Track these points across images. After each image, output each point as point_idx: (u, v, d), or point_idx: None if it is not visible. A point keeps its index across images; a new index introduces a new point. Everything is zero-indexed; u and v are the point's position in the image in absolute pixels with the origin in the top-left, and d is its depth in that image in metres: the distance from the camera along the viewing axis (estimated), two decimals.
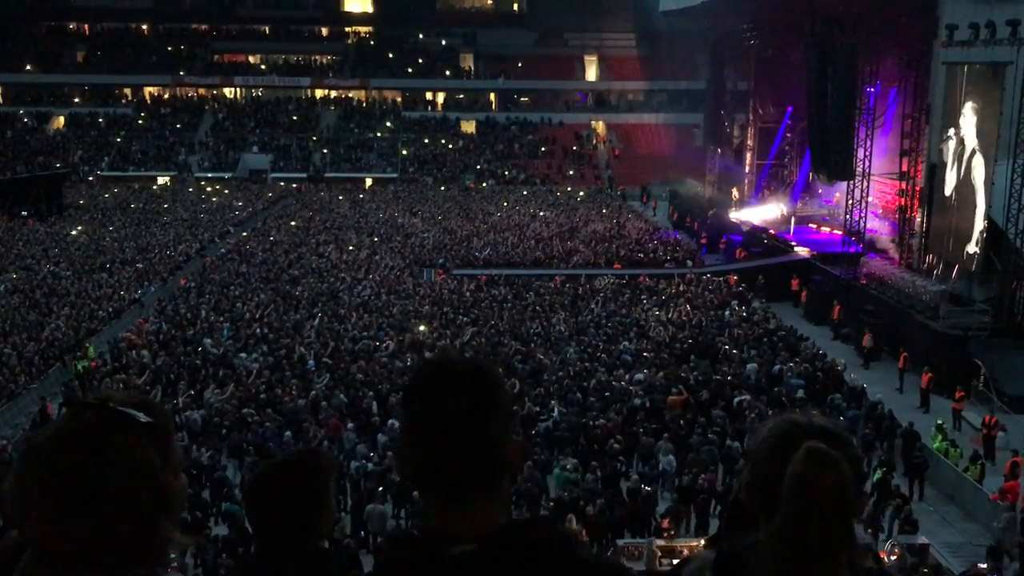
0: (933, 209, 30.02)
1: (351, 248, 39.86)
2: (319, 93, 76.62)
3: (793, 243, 37.09)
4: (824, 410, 19.21)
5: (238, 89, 77.25)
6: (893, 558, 13.75)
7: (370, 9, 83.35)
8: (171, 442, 1.54)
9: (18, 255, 38.62)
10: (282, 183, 64.56)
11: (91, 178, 64.58)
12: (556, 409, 19.84)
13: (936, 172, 29.50)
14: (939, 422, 19.92)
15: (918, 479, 18.21)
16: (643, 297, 31.14)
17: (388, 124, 72.89)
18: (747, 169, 47.96)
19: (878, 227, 35.85)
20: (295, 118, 73.09)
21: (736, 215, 44.28)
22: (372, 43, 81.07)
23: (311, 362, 23.37)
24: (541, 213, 50.24)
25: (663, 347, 25.00)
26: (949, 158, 28.62)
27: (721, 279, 33.88)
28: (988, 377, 22.96)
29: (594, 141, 72.84)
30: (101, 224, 47.07)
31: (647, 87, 75.28)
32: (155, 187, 62.70)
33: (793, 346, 25.43)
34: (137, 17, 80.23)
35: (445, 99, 76.73)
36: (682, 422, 19.38)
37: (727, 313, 28.84)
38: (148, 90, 75.67)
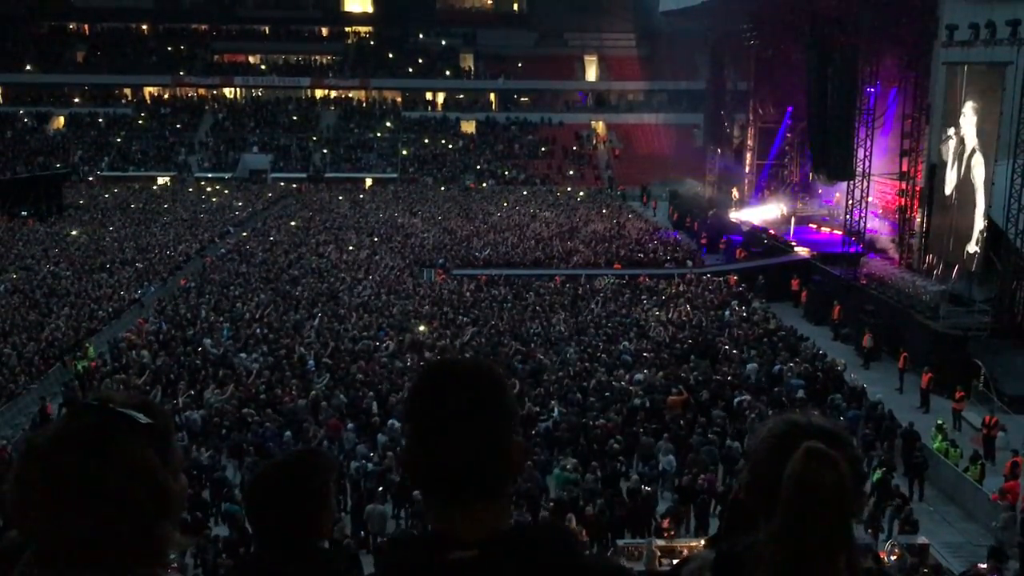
0: (933, 209, 30.03)
1: (351, 248, 39.86)
2: (319, 93, 76.65)
3: (793, 243, 37.10)
4: (824, 410, 19.21)
5: (238, 89, 77.28)
6: (893, 558, 13.75)
7: (370, 9, 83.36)
8: (171, 443, 1.54)
9: (18, 255, 38.61)
10: (282, 183, 64.57)
11: (91, 178, 64.61)
12: (556, 409, 19.84)
13: (936, 172, 29.51)
14: (939, 422, 19.93)
15: (918, 479, 18.21)
16: (643, 297, 31.13)
17: (388, 124, 72.91)
18: (747, 169, 47.97)
19: (878, 227, 35.85)
20: (295, 118, 73.11)
21: (736, 215, 44.29)
22: (372, 43, 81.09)
23: (311, 362, 23.37)
24: (541, 213, 50.25)
25: (663, 347, 25.01)
26: (949, 158, 28.63)
27: (721, 279, 33.88)
28: (988, 377, 22.97)
29: (594, 141, 72.86)
30: (101, 224, 47.07)
31: (647, 87, 75.31)
32: (155, 187, 62.73)
33: (793, 346, 25.43)
34: (137, 17, 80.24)
35: (445, 99, 76.75)
36: (682, 422, 19.38)
37: (727, 313, 28.85)
38: (148, 90, 75.71)
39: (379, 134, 71.66)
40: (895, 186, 34.09)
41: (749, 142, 48.30)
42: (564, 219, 47.71)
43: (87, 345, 25.54)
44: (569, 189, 62.38)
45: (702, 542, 13.44)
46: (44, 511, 1.41)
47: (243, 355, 24.05)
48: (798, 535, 1.47)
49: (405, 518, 16.55)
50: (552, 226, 45.21)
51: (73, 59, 77.15)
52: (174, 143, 69.39)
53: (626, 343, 25.30)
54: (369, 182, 65.46)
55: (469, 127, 73.73)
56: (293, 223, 47.14)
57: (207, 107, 74.65)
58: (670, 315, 28.37)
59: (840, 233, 34.83)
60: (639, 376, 22.15)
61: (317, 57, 79.87)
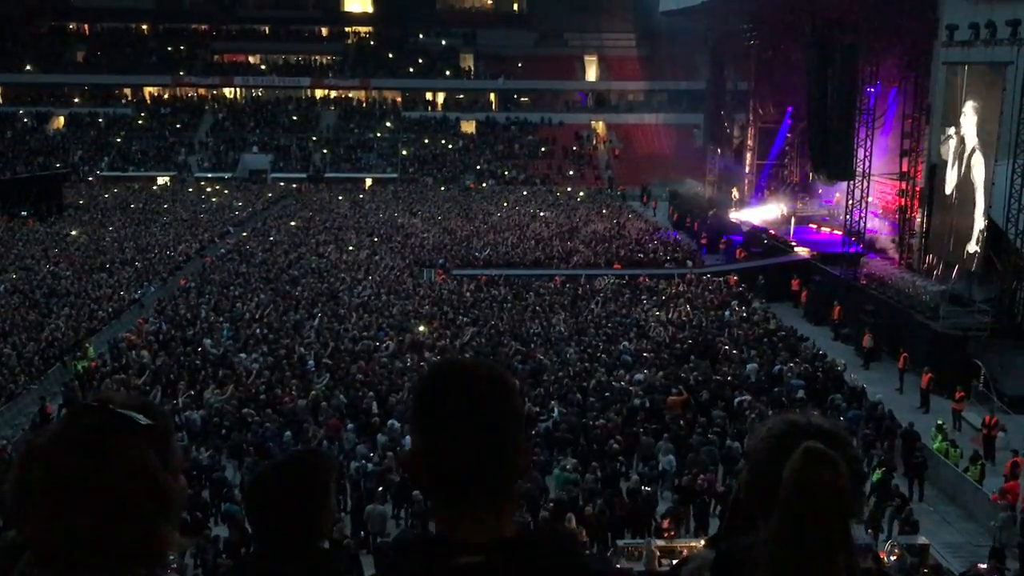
0: (933, 209, 30.03)
1: (351, 248, 39.86)
2: (319, 93, 76.65)
3: (793, 243, 37.10)
4: (824, 410, 19.21)
5: (238, 89, 77.29)
6: (893, 558, 13.75)
7: (370, 9, 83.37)
8: (171, 444, 1.54)
9: (18, 255, 38.61)
10: (282, 183, 64.56)
11: (91, 178, 64.58)
12: (556, 409, 19.84)
13: (936, 172, 29.51)
14: (939, 422, 19.93)
15: (918, 479, 18.21)
16: (643, 297, 31.13)
17: (388, 124, 72.91)
18: (747, 169, 47.97)
19: (878, 227, 35.85)
20: (295, 118, 73.12)
21: (736, 215, 44.30)
22: (372, 43, 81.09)
23: (311, 362, 23.37)
24: (541, 213, 50.25)
25: (663, 347, 25.01)
26: (950, 157, 28.63)
27: (721, 279, 33.88)
28: (988, 377, 22.96)
29: (594, 141, 72.85)
30: (101, 224, 47.08)
31: (647, 87, 75.31)
32: (155, 187, 62.73)
33: (793, 346, 25.43)
34: (137, 17, 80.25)
35: (445, 99, 76.75)
36: (682, 422, 19.38)
37: (727, 313, 28.85)
38: (148, 90, 75.71)
39: (379, 134, 71.66)
40: (895, 186, 34.09)
41: (749, 142, 48.30)
42: (564, 219, 47.71)
43: (87, 345, 25.54)
44: (569, 189, 62.38)
45: (702, 542, 13.44)
46: (44, 511, 1.42)
47: (243, 355, 24.05)
48: (796, 535, 1.47)
49: (405, 518, 16.56)
50: (552, 226, 45.21)
51: (73, 59, 77.16)
52: (174, 143, 69.40)
53: (626, 343, 25.29)
54: (369, 182, 65.46)
55: (469, 127, 73.73)
56: (293, 223, 47.15)
57: (207, 107, 74.66)
58: (670, 315, 28.37)
59: (840, 233, 34.83)
60: (639, 376, 22.15)
61: (317, 57, 79.87)
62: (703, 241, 42.26)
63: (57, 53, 77.11)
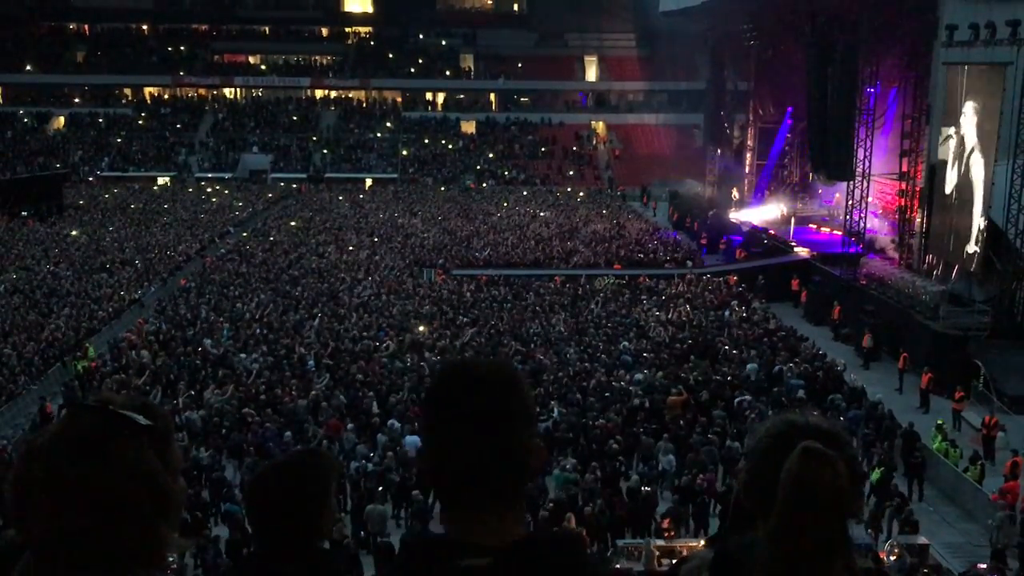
0: (933, 209, 30.03)
1: (351, 248, 39.87)
2: (319, 93, 76.66)
3: (793, 243, 37.10)
4: (824, 410, 19.21)
5: (238, 89, 77.29)
6: (893, 558, 13.75)
7: (370, 9, 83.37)
8: (171, 445, 1.54)
9: (18, 255, 38.61)
10: (282, 183, 64.57)
11: (91, 178, 64.58)
12: (556, 409, 19.84)
13: (936, 172, 29.51)
14: (939, 422, 19.93)
15: (917, 479, 18.21)
16: (643, 297, 31.14)
17: (388, 124, 72.91)
18: (747, 169, 47.99)
19: (878, 227, 35.85)
20: (295, 118, 73.12)
21: (736, 215, 44.30)
22: (372, 43, 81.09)
23: (311, 362, 23.38)
24: (541, 213, 50.27)
25: (663, 347, 25.01)
26: (949, 157, 28.64)
27: (721, 279, 33.89)
28: (988, 377, 22.95)
29: (594, 141, 72.85)
30: (101, 224, 47.08)
31: (647, 87, 75.31)
32: (155, 187, 62.73)
33: (793, 346, 25.42)
34: (137, 17, 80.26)
35: (445, 99, 76.75)
36: (682, 422, 19.38)
37: (727, 313, 28.85)
38: (148, 90, 75.71)
39: (379, 134, 71.66)
40: (895, 186, 34.10)
41: (749, 142, 48.32)
42: (564, 219, 47.73)
43: (87, 345, 25.53)
44: (569, 189, 62.38)
45: (702, 542, 13.45)
46: (43, 512, 1.42)
47: (243, 355, 24.06)
48: (795, 535, 1.47)
49: (405, 518, 16.55)
50: (552, 226, 45.22)
51: (73, 59, 77.14)
52: (174, 143, 69.40)
53: (626, 343, 25.30)
54: (369, 182, 65.47)
55: (469, 127, 73.73)
56: (293, 223, 47.16)
57: (207, 107, 74.67)
58: (670, 315, 28.37)
59: (840, 233, 34.82)
60: (639, 376, 22.15)
61: (317, 57, 79.86)
62: (703, 241, 42.25)
63: (57, 53, 77.11)
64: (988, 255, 26.54)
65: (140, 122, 71.91)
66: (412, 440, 18.26)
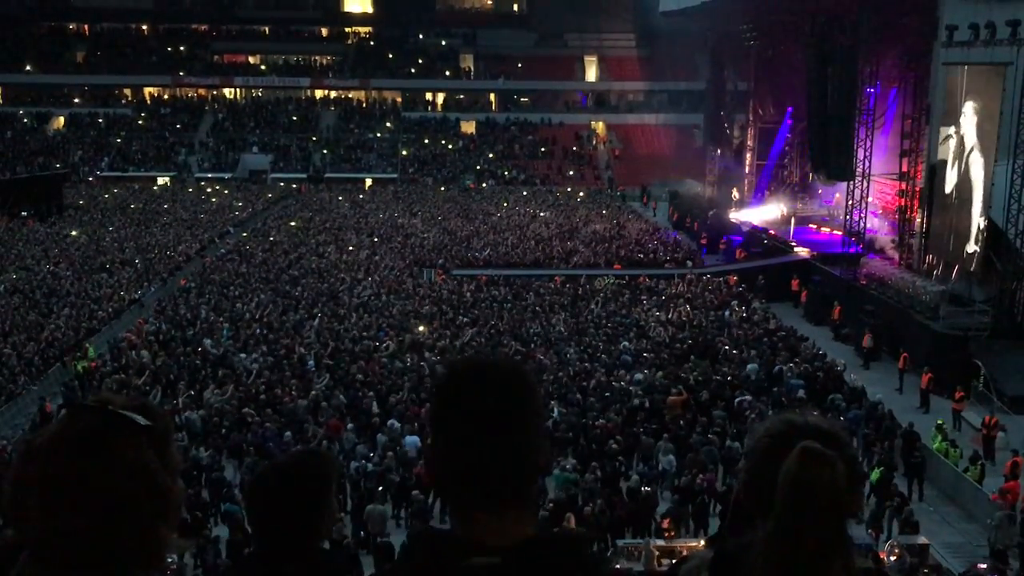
0: (933, 209, 30.03)
1: (351, 248, 39.86)
2: (319, 93, 76.65)
3: (793, 243, 37.10)
4: (825, 410, 19.20)
5: (238, 89, 77.27)
6: (893, 558, 13.75)
7: (370, 9, 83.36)
8: (170, 445, 1.54)
9: (18, 255, 38.61)
10: (282, 183, 64.57)
11: (91, 178, 64.57)
12: (556, 409, 19.84)
13: (936, 172, 29.51)
14: (939, 422, 19.93)
15: (917, 479, 18.21)
16: (643, 297, 31.14)
17: (388, 124, 72.91)
18: (747, 169, 47.97)
19: (878, 227, 35.86)
20: (295, 118, 73.11)
21: (736, 215, 44.29)
22: (372, 43, 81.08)
23: (311, 362, 23.38)
24: (541, 213, 50.26)
25: (663, 347, 25.01)
26: (949, 157, 28.65)
27: (721, 279, 33.89)
28: (988, 377, 22.96)
29: (594, 142, 72.85)
30: (101, 224, 47.08)
31: (647, 87, 75.29)
32: (155, 187, 62.72)
33: (793, 346, 25.42)
34: (137, 17, 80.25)
35: (445, 99, 76.74)
36: (682, 422, 19.38)
37: (727, 313, 28.85)
38: (148, 90, 75.70)
39: (379, 134, 71.66)
40: (895, 186, 34.10)
41: (749, 142, 48.31)
42: (564, 219, 47.73)
43: (87, 345, 25.53)
44: (569, 189, 62.37)
45: (702, 542, 13.45)
46: (42, 512, 1.42)
47: (243, 355, 24.06)
48: (793, 535, 1.47)
49: (405, 518, 16.56)
50: (552, 226, 45.22)
51: (73, 59, 77.13)
52: (174, 143, 69.40)
53: (626, 343, 25.30)
54: (369, 182, 65.46)
55: (469, 127, 73.72)
56: (293, 223, 47.15)
57: (207, 107, 74.66)
58: (670, 315, 28.37)
59: (840, 233, 34.82)
60: (639, 376, 22.15)
61: (317, 57, 79.85)
62: (703, 241, 42.26)
63: (57, 53, 77.10)
64: (988, 255, 26.54)
65: (140, 122, 71.91)
66: (412, 440, 18.28)
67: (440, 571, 1.57)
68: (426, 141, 70.77)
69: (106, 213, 50.82)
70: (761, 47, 45.71)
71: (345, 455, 18.00)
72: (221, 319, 27.73)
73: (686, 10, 50.58)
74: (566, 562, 1.58)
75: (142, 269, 35.85)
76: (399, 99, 76.14)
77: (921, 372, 23.56)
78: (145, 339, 25.74)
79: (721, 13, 47.05)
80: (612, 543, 15.45)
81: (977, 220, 26.96)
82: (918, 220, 31.47)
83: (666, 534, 15.17)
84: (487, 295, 31.29)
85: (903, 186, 32.59)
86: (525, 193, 59.89)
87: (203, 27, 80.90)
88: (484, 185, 64.60)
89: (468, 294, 31.31)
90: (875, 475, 16.88)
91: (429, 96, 77.17)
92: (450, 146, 70.55)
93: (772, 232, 39.30)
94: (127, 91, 75.35)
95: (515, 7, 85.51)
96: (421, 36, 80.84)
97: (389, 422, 19.10)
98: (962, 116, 27.74)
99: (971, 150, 27.29)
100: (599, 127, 74.21)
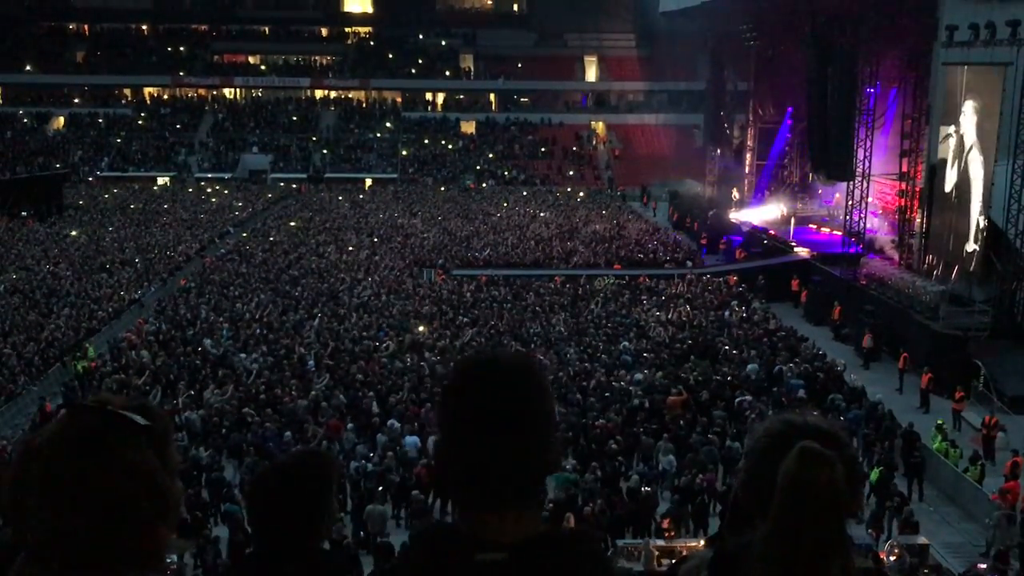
0: (933, 209, 30.04)
1: (351, 249, 39.86)
2: (319, 93, 76.63)
3: (793, 243, 37.10)
4: (825, 410, 19.20)
5: (238, 89, 77.24)
6: (893, 558, 13.75)
7: (370, 9, 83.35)
8: (169, 445, 1.54)
9: (18, 255, 38.61)
10: (282, 183, 64.55)
11: (91, 179, 64.55)
12: (556, 409, 19.80)
13: (936, 172, 29.52)
14: (939, 422, 19.93)
15: (917, 479, 18.21)
16: (643, 298, 31.14)
17: (388, 124, 72.89)
18: (747, 169, 47.97)
19: (878, 227, 35.86)
20: (295, 118, 73.10)
21: (736, 215, 44.29)
22: (372, 43, 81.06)
23: (311, 362, 23.38)
24: (541, 214, 50.26)
25: (663, 347, 25.01)
26: (949, 156, 28.66)
27: (721, 279, 33.89)
28: (988, 377, 22.96)
29: (594, 142, 72.85)
30: (101, 224, 47.08)
31: (647, 87, 75.26)
32: (155, 188, 62.71)
33: (793, 346, 25.43)
34: (137, 17, 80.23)
35: (445, 99, 76.73)
36: (682, 422, 19.38)
37: (727, 314, 28.85)
38: (148, 90, 75.68)
39: (379, 134, 71.64)
40: (895, 186, 34.10)
41: (749, 142, 48.31)
42: (564, 219, 47.72)
43: (87, 345, 25.53)
44: (569, 189, 62.36)
45: (701, 542, 13.45)
46: (41, 512, 1.42)
47: (243, 355, 24.06)
48: (792, 535, 1.47)
49: (405, 518, 16.56)
50: (552, 226, 45.21)
51: (73, 59, 77.12)
52: (174, 143, 69.39)
53: (626, 343, 25.30)
54: (369, 182, 65.44)
55: (469, 127, 73.71)
56: (293, 223, 47.15)
57: (207, 107, 74.64)
58: (670, 315, 28.37)
59: (840, 233, 34.83)
60: (639, 376, 22.15)
61: (317, 57, 79.83)
62: (703, 241, 42.26)
63: (57, 53, 77.07)
64: (988, 255, 26.54)
65: (140, 122, 71.90)
66: (412, 440, 18.28)
67: (447, 566, 1.56)
68: (426, 141, 70.77)
69: (106, 213, 50.82)
70: (761, 47, 45.71)
71: (345, 455, 18.00)
72: (221, 319, 27.73)
73: (686, 10, 50.59)
74: (573, 559, 1.57)
75: (142, 269, 35.84)
76: (399, 99, 76.14)
77: (921, 372, 23.56)
78: (145, 339, 25.74)
79: (721, 13, 47.04)
80: (612, 543, 15.45)
81: (976, 219, 26.96)
82: (918, 220, 31.47)
83: (666, 534, 15.17)
84: (487, 295, 31.29)
85: (903, 186, 32.59)
86: (525, 193, 59.88)
87: (203, 27, 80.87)
88: (484, 185, 64.60)
89: (468, 294, 31.31)
90: (875, 475, 16.88)
91: (429, 96, 77.17)
92: (450, 146, 70.54)
93: (772, 232, 39.30)
94: (127, 91, 75.34)
95: (515, 7, 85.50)
96: (421, 36, 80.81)
97: (389, 422, 19.10)
98: (962, 115, 27.75)
99: (970, 149, 27.30)
100: (599, 127, 74.20)
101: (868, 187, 33.13)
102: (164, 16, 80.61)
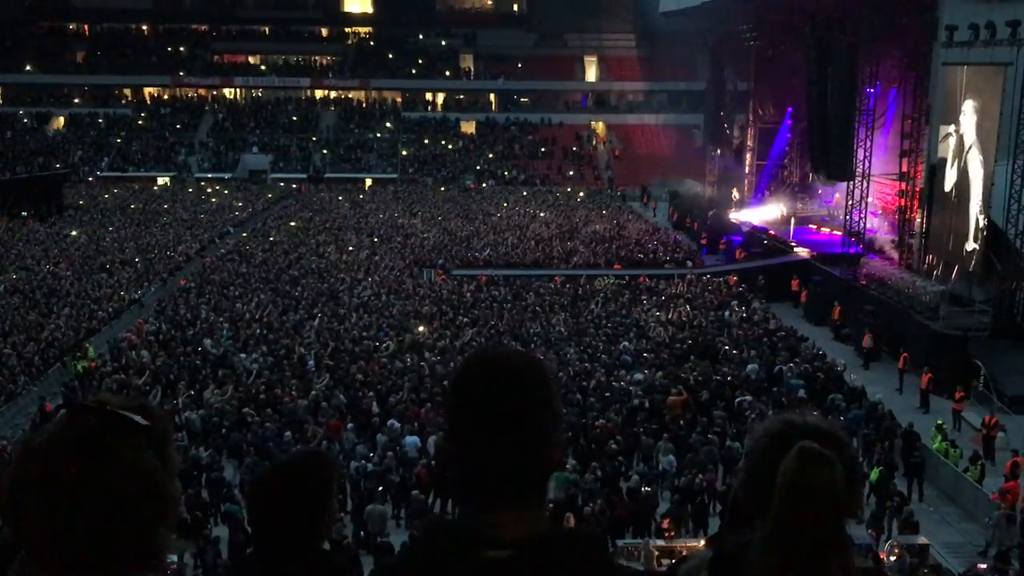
0: (933, 209, 30.04)
1: (351, 249, 39.86)
2: (319, 93, 76.63)
3: (793, 243, 37.10)
4: (825, 411, 19.20)
5: (238, 89, 77.24)
6: (893, 558, 13.75)
7: (370, 9, 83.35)
8: (168, 446, 1.54)
9: (18, 255, 38.61)
10: (282, 183, 64.55)
11: (91, 179, 64.55)
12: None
13: (936, 171, 29.52)
14: (939, 422, 19.93)
15: (917, 479, 18.21)
16: (643, 298, 31.14)
17: (388, 125, 72.90)
18: (747, 169, 47.97)
19: (878, 227, 35.87)
20: (295, 118, 73.11)
21: (736, 215, 44.29)
22: (372, 43, 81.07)
23: (311, 362, 23.38)
24: (541, 214, 50.26)
25: (663, 347, 25.01)
26: (949, 155, 28.67)
27: (721, 279, 33.88)
28: (988, 377, 22.96)
29: (594, 142, 72.85)
30: (101, 224, 47.08)
31: (647, 88, 75.27)
32: (155, 188, 62.71)
33: (793, 346, 25.43)
34: (137, 17, 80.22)
35: (445, 100, 76.73)
36: (682, 422, 19.38)
37: (727, 314, 28.85)
38: (148, 90, 75.68)
39: (379, 135, 71.65)
40: (895, 186, 34.10)
41: (749, 142, 48.31)
42: (564, 219, 47.72)
43: (87, 345, 25.53)
44: (569, 190, 62.35)
45: (701, 542, 13.44)
46: (40, 512, 1.41)
47: (243, 355, 24.06)
48: (791, 535, 1.47)
49: (405, 518, 16.56)
50: (552, 226, 45.21)
51: (73, 59, 77.13)
52: (174, 143, 69.39)
53: (626, 343, 25.29)
54: (369, 182, 65.45)
55: (469, 127, 73.71)
56: (293, 223, 47.15)
57: (207, 107, 74.64)
58: (670, 315, 28.37)
59: (840, 233, 34.83)
60: (639, 376, 22.15)
61: (317, 57, 79.83)
62: (703, 241, 42.26)
63: (57, 53, 77.06)
64: (988, 255, 26.54)
65: (140, 122, 71.90)
66: (412, 440, 18.29)
67: (451, 563, 1.55)
68: (426, 141, 70.77)
69: (106, 213, 50.82)
70: (761, 47, 45.71)
71: (345, 455, 18.00)
72: (221, 319, 27.73)
73: (686, 10, 50.57)
74: (577, 557, 1.57)
75: (142, 269, 35.84)
76: (399, 99, 76.14)
77: (921, 372, 23.56)
78: (145, 339, 25.74)
79: (721, 13, 47.05)
80: (612, 543, 15.44)
81: (976, 217, 26.97)
82: (918, 220, 31.47)
83: (666, 534, 15.17)
84: (487, 295, 31.28)
85: (903, 186, 32.59)
86: (525, 193, 59.88)
87: (203, 27, 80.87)
88: (484, 185, 64.60)
89: (468, 294, 31.30)
90: (875, 475, 16.88)
91: (429, 96, 77.17)
92: (450, 146, 70.54)
93: (772, 232, 39.30)
94: (127, 91, 75.34)
95: (515, 7, 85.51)
96: (421, 36, 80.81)
97: (389, 422, 19.10)
98: (962, 115, 27.76)
99: (970, 148, 27.31)
100: (599, 127, 74.20)
101: (868, 187, 33.13)
102: (164, 16, 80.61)
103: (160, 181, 64.91)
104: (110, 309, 30.03)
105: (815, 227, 40.20)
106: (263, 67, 78.57)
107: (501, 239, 41.47)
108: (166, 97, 75.56)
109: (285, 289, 31.86)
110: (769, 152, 45.44)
